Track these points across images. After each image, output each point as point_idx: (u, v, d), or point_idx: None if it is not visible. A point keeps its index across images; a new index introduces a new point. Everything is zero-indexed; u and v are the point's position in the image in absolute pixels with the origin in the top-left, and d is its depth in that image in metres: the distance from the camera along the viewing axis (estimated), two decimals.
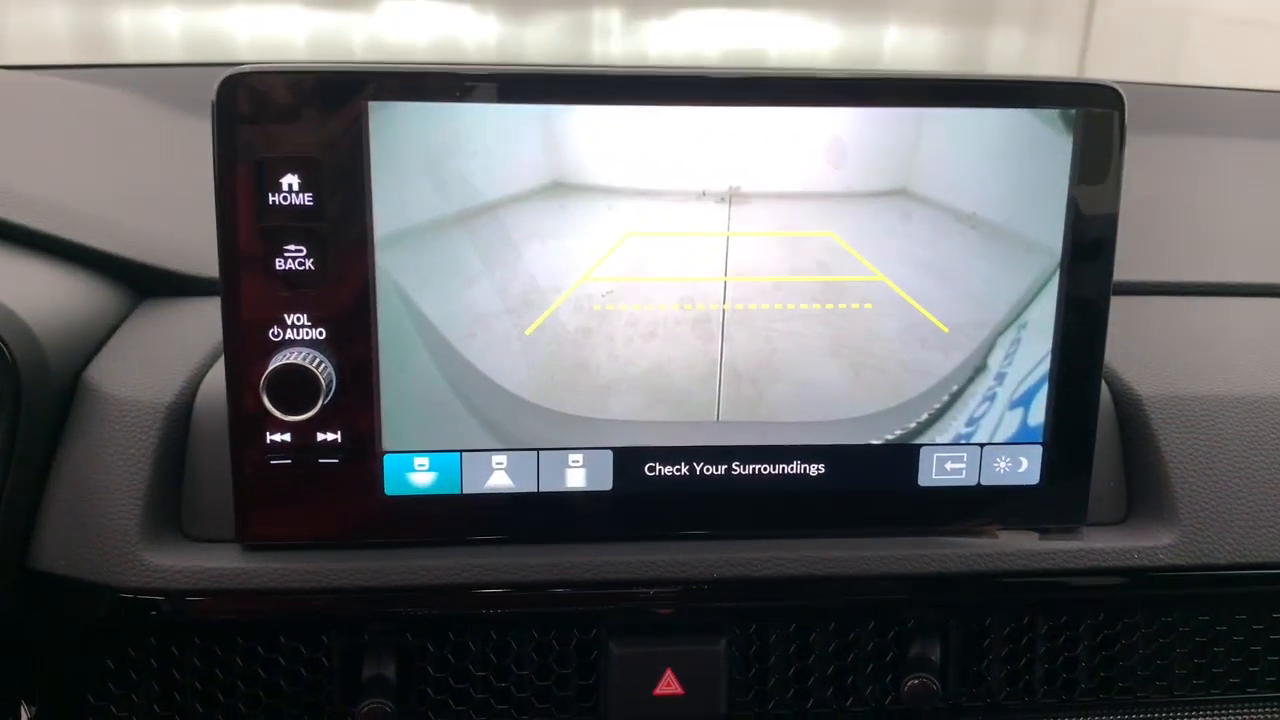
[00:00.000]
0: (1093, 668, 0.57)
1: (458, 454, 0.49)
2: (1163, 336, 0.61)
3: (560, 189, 0.47)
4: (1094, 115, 0.48)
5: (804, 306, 0.50)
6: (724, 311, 0.49)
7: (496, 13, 1.12)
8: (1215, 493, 0.54)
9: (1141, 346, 0.59)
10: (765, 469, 0.51)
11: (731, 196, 0.48)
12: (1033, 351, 0.51)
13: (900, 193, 0.49)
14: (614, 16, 1.14)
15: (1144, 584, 0.54)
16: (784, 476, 0.51)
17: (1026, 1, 1.29)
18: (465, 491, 0.50)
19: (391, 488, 0.49)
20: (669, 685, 0.52)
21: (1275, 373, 0.58)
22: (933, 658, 0.54)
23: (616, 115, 0.47)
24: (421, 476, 0.49)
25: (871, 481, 0.52)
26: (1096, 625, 0.56)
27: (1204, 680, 0.58)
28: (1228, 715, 0.59)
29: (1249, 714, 0.59)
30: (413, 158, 0.46)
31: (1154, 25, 1.25)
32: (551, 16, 1.14)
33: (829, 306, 0.50)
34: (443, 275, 0.47)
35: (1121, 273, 0.51)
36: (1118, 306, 0.51)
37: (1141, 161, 0.54)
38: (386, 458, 0.49)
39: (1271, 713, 0.59)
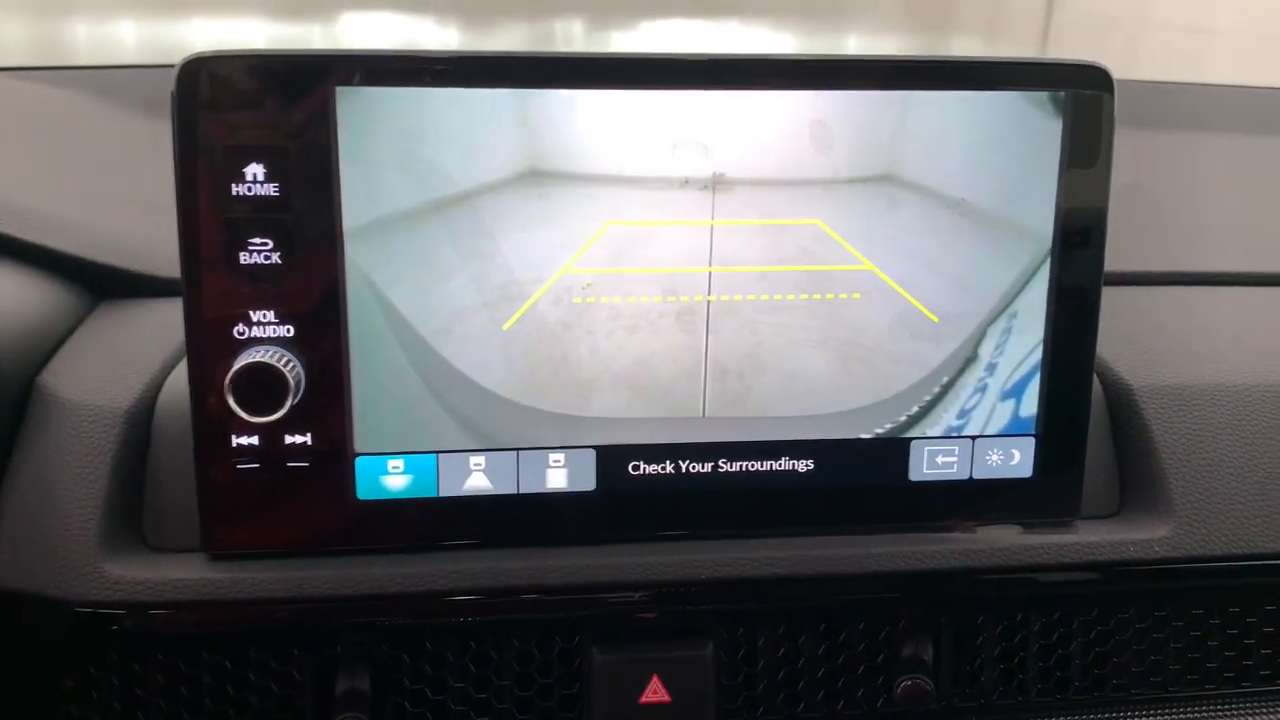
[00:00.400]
0: (1086, 665, 0.55)
1: (434, 455, 0.47)
2: (1152, 326, 0.60)
3: (538, 177, 0.46)
4: (1083, 97, 0.47)
5: (790, 297, 0.48)
6: (709, 303, 0.48)
7: (458, 25, 1.11)
8: (1209, 484, 0.53)
9: (1131, 337, 0.58)
10: (753, 466, 0.50)
11: (715, 184, 0.47)
12: (1024, 341, 0.50)
13: (887, 179, 0.48)
14: (576, 28, 1.13)
15: (1138, 577, 0.53)
16: (772, 473, 0.50)
17: (984, 10, 1.30)
18: (442, 494, 0.48)
19: (364, 491, 0.47)
20: (655, 693, 0.50)
21: (1266, 361, 0.57)
22: (925, 658, 0.53)
23: (595, 100, 0.45)
24: (396, 479, 0.47)
25: (861, 477, 0.50)
26: (1089, 621, 0.55)
27: (1197, 675, 0.57)
28: (1221, 710, 0.58)
29: (1242, 708, 0.58)
30: (383, 146, 0.44)
31: (1109, 33, 1.26)
32: (514, 28, 1.13)
33: (816, 297, 0.48)
34: (416, 268, 0.46)
35: (1109, 263, 0.50)
36: (1106, 297, 0.50)
37: (1125, 153, 0.54)
38: (359, 460, 0.47)
39: (1264, 706, 0.58)
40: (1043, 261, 0.49)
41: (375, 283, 0.45)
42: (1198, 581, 0.54)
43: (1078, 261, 0.49)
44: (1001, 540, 0.51)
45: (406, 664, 0.51)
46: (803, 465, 0.50)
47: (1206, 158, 0.78)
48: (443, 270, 0.46)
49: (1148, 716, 0.57)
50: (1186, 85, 0.91)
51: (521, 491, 0.48)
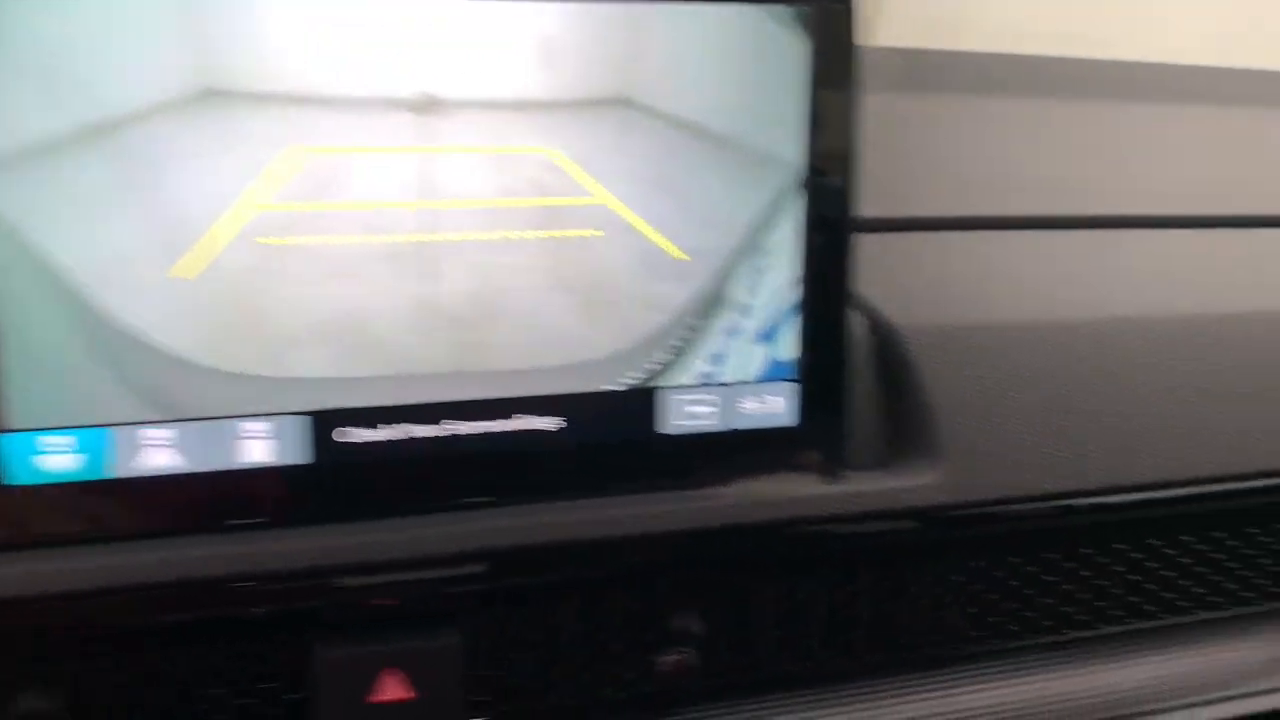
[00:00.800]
0: (871, 625, 0.53)
1: (103, 429, 0.40)
2: (924, 270, 0.57)
3: (213, 97, 0.39)
4: (827, 11, 0.44)
5: (523, 235, 0.43)
6: (427, 243, 0.42)
7: None
8: (980, 426, 0.51)
9: (900, 279, 0.56)
10: (492, 426, 0.44)
11: (426, 105, 0.41)
12: (777, 279, 0.46)
13: (622, 101, 0.43)
14: None
15: (913, 526, 0.50)
16: (514, 433, 0.45)
17: None
18: (116, 475, 0.41)
19: (15, 475, 0.40)
20: (393, 690, 0.45)
21: (1035, 301, 0.55)
22: (694, 630, 0.49)
23: (283, 7, 0.39)
24: (56, 459, 0.40)
25: (612, 432, 0.46)
26: (870, 580, 0.52)
27: (983, 631, 0.55)
28: (1007, 662, 0.56)
29: (1026, 660, 0.57)
30: (15, 60, 0.37)
31: (930, 35, 1.28)
32: None
33: (553, 234, 0.43)
34: (65, 208, 0.38)
35: (884, 208, 0.47)
36: (879, 242, 0.47)
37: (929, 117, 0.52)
38: (5, 438, 0.39)
39: (1046, 658, 0.57)
40: (793, 191, 0.45)
41: (16, 226, 0.38)
42: (974, 529, 0.52)
43: (829, 191, 0.46)
44: (766, 494, 0.48)
45: (99, 677, 0.43)
46: (548, 423, 0.45)
47: (1002, 118, 0.77)
48: (99, 210, 0.39)
49: (935, 674, 0.55)
50: (1001, 55, 0.91)
51: (217, 468, 0.42)
